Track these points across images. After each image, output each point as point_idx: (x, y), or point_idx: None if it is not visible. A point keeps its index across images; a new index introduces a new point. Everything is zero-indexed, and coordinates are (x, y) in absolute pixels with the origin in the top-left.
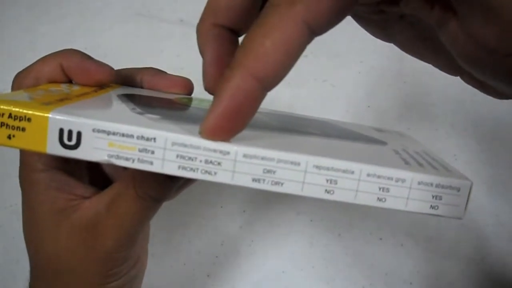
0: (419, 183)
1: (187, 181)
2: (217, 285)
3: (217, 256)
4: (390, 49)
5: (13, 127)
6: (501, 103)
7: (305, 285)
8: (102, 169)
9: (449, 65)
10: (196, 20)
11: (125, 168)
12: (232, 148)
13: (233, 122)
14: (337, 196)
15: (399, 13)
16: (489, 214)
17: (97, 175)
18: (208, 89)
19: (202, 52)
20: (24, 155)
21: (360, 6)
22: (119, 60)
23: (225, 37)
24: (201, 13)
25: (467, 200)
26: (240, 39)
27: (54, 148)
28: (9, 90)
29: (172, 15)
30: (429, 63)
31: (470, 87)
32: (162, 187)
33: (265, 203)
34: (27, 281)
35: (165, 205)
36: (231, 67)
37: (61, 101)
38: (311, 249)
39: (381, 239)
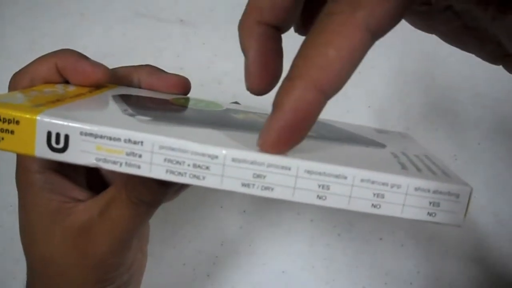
0: (415, 189)
1: (185, 184)
2: (217, 285)
3: (217, 256)
4: (390, 49)
5: (2, 130)
6: (501, 104)
7: (305, 285)
8: (100, 172)
9: (493, 54)
10: (196, 20)
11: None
12: (220, 151)
13: (295, 135)
14: (329, 202)
15: (446, 4)
16: (489, 214)
17: (95, 178)
18: (251, 89)
19: (245, 50)
20: (20, 156)
21: None
22: (119, 60)
23: (269, 34)
24: (244, 10)
25: (467, 207)
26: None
27: (43, 151)
28: (7, 91)
29: (172, 15)
30: (471, 52)
31: (469, 87)
32: (155, 192)
33: (265, 203)
34: (25, 281)
35: (165, 205)
36: (292, 78)
37: (53, 102)
38: (311, 249)
39: (381, 239)
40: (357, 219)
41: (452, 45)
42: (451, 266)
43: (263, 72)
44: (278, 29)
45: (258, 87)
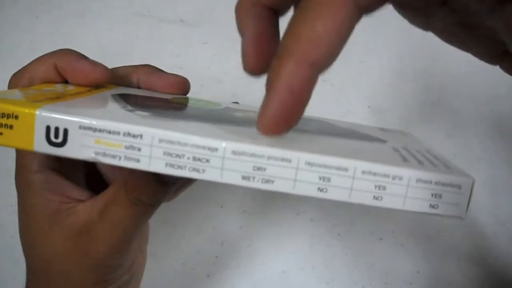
0: (417, 180)
1: (185, 183)
2: (217, 285)
3: (217, 256)
4: (390, 49)
5: (0, 125)
6: (501, 103)
7: (305, 285)
8: (100, 172)
9: (491, 53)
10: (196, 20)
11: (121, 171)
12: (220, 144)
13: (292, 113)
14: (330, 195)
15: None
16: (489, 214)
17: (94, 178)
18: (248, 68)
19: (241, 31)
20: (20, 156)
21: None
22: (119, 60)
23: (265, 16)
24: None
25: (469, 199)
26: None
27: (41, 146)
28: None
29: (172, 15)
30: (468, 51)
31: (469, 86)
32: (155, 192)
33: (265, 203)
34: (24, 281)
35: (165, 204)
36: (282, 55)
37: (52, 99)
38: (311, 249)
39: (381, 239)
40: (358, 219)
41: (449, 43)
42: (451, 266)
43: (259, 52)
44: (275, 12)
45: (254, 67)
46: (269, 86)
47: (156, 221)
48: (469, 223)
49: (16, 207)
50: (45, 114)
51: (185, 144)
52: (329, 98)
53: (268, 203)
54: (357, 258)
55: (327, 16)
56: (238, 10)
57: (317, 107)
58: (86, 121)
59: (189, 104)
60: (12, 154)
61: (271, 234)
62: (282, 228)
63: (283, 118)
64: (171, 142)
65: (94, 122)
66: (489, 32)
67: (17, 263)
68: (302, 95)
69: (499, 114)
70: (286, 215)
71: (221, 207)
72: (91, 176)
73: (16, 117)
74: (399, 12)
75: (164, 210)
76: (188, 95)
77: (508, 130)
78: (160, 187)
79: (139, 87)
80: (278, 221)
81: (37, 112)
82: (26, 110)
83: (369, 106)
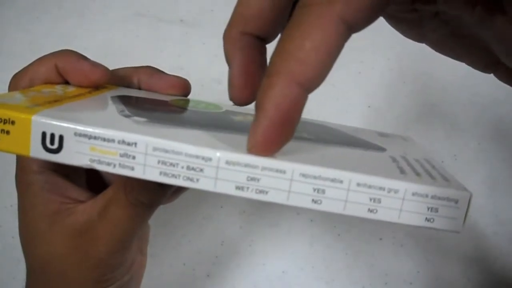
0: (413, 194)
1: (183, 186)
2: (217, 285)
3: (217, 256)
4: (390, 49)
5: None
6: (501, 104)
7: (305, 285)
8: (100, 173)
9: (484, 62)
10: (196, 20)
11: None
12: (214, 154)
13: (282, 133)
14: (324, 207)
15: (433, 11)
16: (489, 214)
17: (95, 179)
18: (234, 99)
19: (229, 61)
20: (20, 156)
21: (393, 5)
22: (119, 60)
23: (253, 45)
24: (228, 20)
25: (466, 213)
26: (268, 46)
27: (37, 152)
28: (7, 91)
29: (172, 15)
30: (461, 61)
31: (469, 87)
32: (153, 193)
33: (265, 203)
34: (24, 281)
35: (165, 205)
36: (270, 74)
37: (51, 103)
38: (311, 249)
39: (381, 239)
40: (357, 220)
41: (443, 54)
42: (451, 266)
43: (246, 83)
44: (263, 40)
45: (240, 98)
46: (258, 106)
47: (157, 222)
48: (469, 223)
49: (16, 207)
50: (40, 120)
51: (179, 153)
52: (329, 98)
53: (268, 204)
54: (357, 258)
55: (314, 35)
56: (226, 39)
57: (318, 106)
58: (81, 128)
59: (189, 107)
60: (12, 154)
61: (271, 234)
62: (282, 228)
63: (273, 139)
64: (165, 150)
65: (89, 129)
66: (480, 42)
67: (17, 263)
68: (291, 115)
69: (499, 115)
70: (286, 215)
71: (221, 207)
72: (91, 177)
73: (13, 122)
74: (392, 25)
75: (164, 211)
76: (189, 97)
77: (508, 131)
78: (159, 188)
79: (140, 88)
80: (278, 221)
81: (33, 118)
82: (23, 116)
83: (369, 106)
